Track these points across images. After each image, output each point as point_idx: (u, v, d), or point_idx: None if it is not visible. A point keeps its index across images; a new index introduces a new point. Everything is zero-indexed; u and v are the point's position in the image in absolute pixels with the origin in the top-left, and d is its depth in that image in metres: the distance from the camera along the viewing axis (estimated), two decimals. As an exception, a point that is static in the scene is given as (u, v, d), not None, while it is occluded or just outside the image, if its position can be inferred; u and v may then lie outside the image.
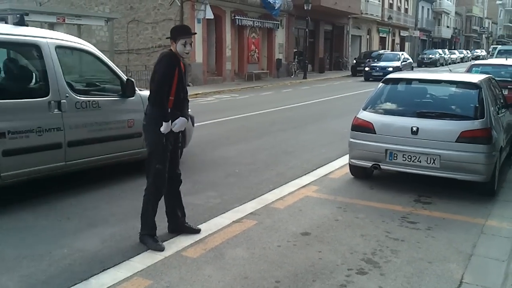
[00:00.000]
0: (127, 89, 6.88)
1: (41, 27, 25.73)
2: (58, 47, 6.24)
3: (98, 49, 6.95)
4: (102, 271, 4.24)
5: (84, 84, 7.30)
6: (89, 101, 6.46)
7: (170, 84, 4.60)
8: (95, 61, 6.83)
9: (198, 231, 5.08)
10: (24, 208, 5.83)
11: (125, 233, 5.08)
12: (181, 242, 4.84)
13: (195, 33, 4.94)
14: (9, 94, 5.86)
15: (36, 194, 6.37)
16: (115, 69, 6.94)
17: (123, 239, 4.94)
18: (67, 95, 6.16)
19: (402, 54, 34.26)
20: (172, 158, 4.86)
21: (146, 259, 4.45)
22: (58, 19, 19.30)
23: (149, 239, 4.69)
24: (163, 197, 4.91)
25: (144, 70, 22.70)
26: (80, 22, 20.67)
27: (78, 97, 6.32)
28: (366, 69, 30.70)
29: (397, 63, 30.65)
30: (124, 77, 6.95)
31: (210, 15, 23.76)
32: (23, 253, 4.56)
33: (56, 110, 6.03)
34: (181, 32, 4.69)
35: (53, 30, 27.72)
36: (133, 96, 6.96)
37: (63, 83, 6.15)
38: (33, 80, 6.53)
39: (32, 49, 6.14)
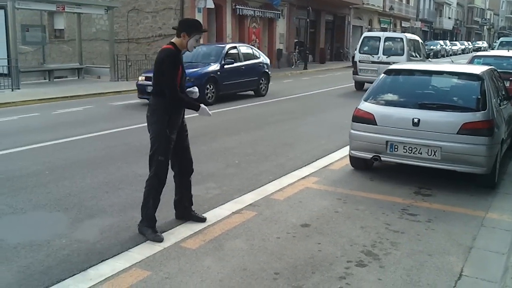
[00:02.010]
0: (428, 56, 21.10)
1: (41, 16, 25.71)
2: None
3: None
4: (101, 262, 4.22)
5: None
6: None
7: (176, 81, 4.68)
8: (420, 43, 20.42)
9: (204, 219, 5.11)
10: (23, 198, 5.82)
11: (124, 224, 5.06)
12: (181, 233, 4.82)
13: (205, 30, 5.11)
14: (414, 56, 19.51)
15: (35, 184, 6.36)
16: (424, 48, 20.97)
17: (122, 229, 4.92)
18: (411, 56, 18.66)
19: (227, 47, 16.09)
20: (183, 147, 4.93)
21: (145, 250, 4.43)
22: (58, 7, 19.23)
23: (148, 230, 4.67)
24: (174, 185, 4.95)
25: (144, 59, 22.62)
26: (80, 11, 20.59)
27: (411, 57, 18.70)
28: (140, 78, 14.45)
29: (213, 67, 14.80)
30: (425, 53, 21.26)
31: (210, 4, 23.61)
32: (22, 243, 4.54)
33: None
34: (198, 28, 4.74)
35: (52, 18, 27.77)
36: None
37: (411, 52, 18.65)
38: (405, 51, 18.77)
39: (398, 39, 19.15)
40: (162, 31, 24.43)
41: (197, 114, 4.85)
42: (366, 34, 21.10)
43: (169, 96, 4.61)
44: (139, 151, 7.98)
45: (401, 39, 19.16)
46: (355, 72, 19.12)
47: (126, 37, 25.38)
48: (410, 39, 19.55)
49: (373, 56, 18.84)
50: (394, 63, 14.98)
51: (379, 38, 19.40)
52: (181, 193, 5.08)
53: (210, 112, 4.89)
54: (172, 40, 4.77)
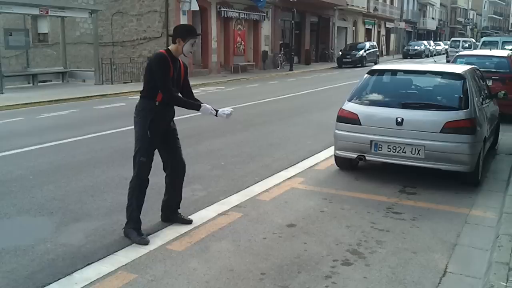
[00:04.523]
0: None
1: (24, 20, 25.54)
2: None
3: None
4: (86, 265, 4.20)
5: None
6: None
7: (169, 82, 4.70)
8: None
9: (189, 222, 5.11)
10: (7, 203, 5.76)
11: (109, 227, 5.04)
12: (166, 235, 4.81)
13: (200, 34, 5.07)
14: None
15: (19, 188, 6.31)
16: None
17: (107, 233, 4.90)
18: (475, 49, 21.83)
19: None
20: (174, 149, 4.97)
21: (130, 253, 4.41)
22: (41, 11, 19.07)
23: (133, 233, 4.66)
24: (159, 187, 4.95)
25: (129, 62, 22.54)
26: (64, 14, 20.46)
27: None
28: None
29: None
30: None
31: (195, 7, 23.58)
32: (6, 248, 4.50)
33: None
34: (193, 32, 4.82)
35: (36, 22, 27.54)
36: None
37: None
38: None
39: (469, 41, 41.23)
40: (147, 34, 24.34)
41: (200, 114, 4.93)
42: (453, 39, 45.43)
43: (165, 97, 4.67)
44: (124, 154, 7.94)
45: (470, 41, 40.75)
46: (447, 56, 37.11)
47: (110, 41, 25.25)
48: (474, 42, 39.58)
49: (456, 49, 35.65)
50: None
51: (459, 40, 41.96)
52: (170, 193, 5.09)
53: (213, 111, 4.88)
54: (168, 47, 4.82)
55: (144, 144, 4.69)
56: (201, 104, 4.85)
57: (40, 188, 6.33)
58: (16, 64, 25.87)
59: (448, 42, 70.17)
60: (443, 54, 54.57)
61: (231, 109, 4.99)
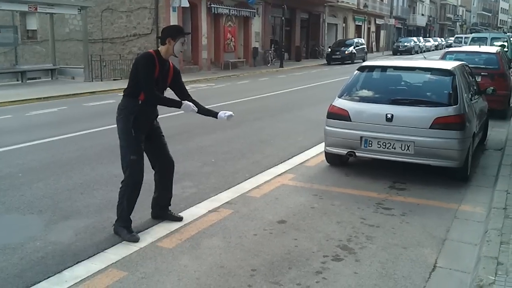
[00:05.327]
0: None
1: (12, 16, 25.27)
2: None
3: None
4: (76, 263, 4.18)
5: None
6: None
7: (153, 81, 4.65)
8: None
9: (180, 219, 5.11)
10: (-4, 201, 5.73)
11: (99, 225, 5.02)
12: (157, 232, 4.80)
13: (189, 33, 5.26)
14: None
15: (8, 186, 6.26)
16: None
17: (97, 230, 4.88)
18: None
19: None
20: (161, 146, 4.98)
21: (121, 251, 4.40)
22: (30, 7, 18.96)
23: (124, 230, 4.64)
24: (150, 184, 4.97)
25: (118, 59, 22.43)
26: (53, 11, 20.31)
27: None
28: None
29: None
30: None
31: (185, 3, 23.50)
32: (-5, 247, 4.48)
33: None
34: (181, 31, 4.81)
35: (25, 19, 27.34)
36: None
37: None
38: None
39: (467, 37, 41.08)
40: (136, 30, 24.24)
41: (182, 112, 4.89)
42: (456, 35, 53.10)
43: (146, 95, 4.63)
44: (113, 151, 7.89)
45: (467, 37, 39.21)
46: None
47: (100, 37, 25.12)
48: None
49: (459, 44, 39.30)
50: None
51: (462, 37, 47.12)
52: (159, 190, 5.09)
53: (195, 108, 4.87)
54: (158, 48, 4.80)
55: (131, 143, 4.67)
56: (182, 102, 4.81)
57: (29, 186, 6.29)
58: (5, 61, 25.67)
59: (438, 39, 71.80)
60: (433, 50, 54.97)
61: (231, 113, 4.98)
